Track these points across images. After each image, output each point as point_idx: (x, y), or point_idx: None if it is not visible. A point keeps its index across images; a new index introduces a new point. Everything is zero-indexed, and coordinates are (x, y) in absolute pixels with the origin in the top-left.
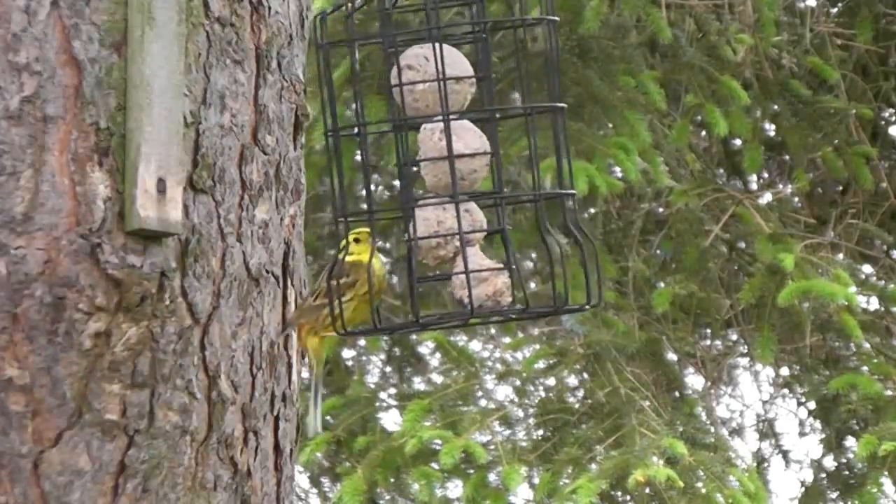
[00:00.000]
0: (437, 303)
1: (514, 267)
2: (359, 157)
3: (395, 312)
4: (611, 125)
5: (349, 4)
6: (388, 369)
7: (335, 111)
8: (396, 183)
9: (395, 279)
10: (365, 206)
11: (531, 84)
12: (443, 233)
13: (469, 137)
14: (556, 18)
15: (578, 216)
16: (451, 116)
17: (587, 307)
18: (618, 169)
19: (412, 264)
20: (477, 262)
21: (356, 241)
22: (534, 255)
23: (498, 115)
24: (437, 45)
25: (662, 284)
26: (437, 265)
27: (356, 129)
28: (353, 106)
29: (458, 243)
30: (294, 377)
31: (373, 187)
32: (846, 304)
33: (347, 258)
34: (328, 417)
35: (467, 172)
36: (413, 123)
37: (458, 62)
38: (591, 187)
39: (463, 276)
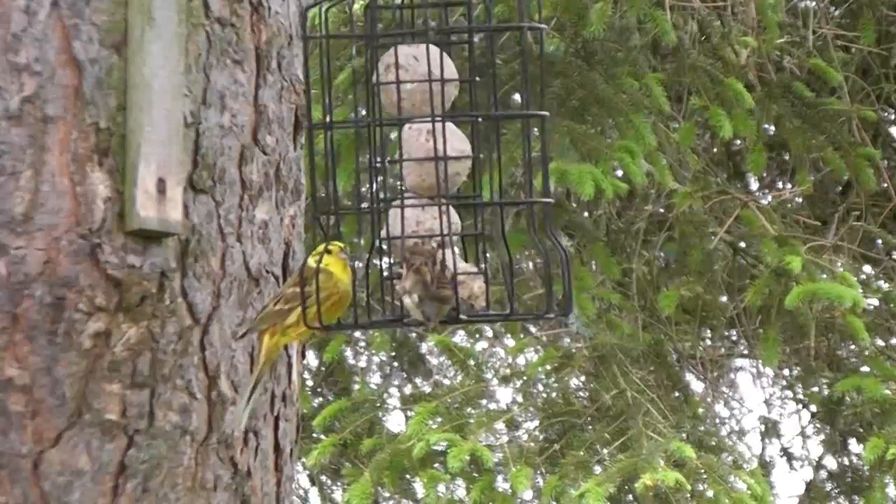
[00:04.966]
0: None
1: (488, 271)
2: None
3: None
4: (615, 127)
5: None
6: (393, 372)
7: (310, 106)
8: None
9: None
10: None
11: (532, 89)
12: (421, 233)
13: (455, 140)
14: (545, 26)
15: (579, 218)
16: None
17: (549, 316)
18: (620, 171)
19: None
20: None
21: (328, 251)
22: (518, 258)
23: (480, 119)
24: (429, 46)
25: (665, 287)
26: None
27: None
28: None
29: (435, 244)
30: (294, 377)
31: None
32: (852, 305)
33: (310, 264)
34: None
35: (451, 175)
36: (387, 121)
37: (445, 64)
38: (596, 191)
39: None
